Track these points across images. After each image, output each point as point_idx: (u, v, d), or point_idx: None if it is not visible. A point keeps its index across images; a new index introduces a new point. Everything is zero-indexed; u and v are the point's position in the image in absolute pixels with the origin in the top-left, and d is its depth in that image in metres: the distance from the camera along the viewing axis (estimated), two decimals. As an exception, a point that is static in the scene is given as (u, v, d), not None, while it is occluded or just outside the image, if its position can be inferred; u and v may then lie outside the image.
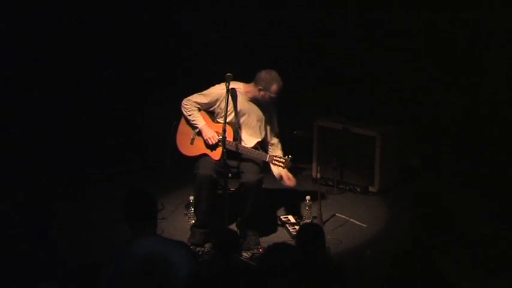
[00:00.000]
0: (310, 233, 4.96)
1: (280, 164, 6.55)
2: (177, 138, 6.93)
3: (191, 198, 7.04)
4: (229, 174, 6.68)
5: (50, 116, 8.57)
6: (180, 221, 7.26)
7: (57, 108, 8.62)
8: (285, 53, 9.00)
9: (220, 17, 8.96)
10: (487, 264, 5.90)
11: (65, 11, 8.54)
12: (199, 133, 6.76)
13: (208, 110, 6.84)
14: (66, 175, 8.17)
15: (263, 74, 6.69)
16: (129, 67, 8.91)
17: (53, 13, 8.48)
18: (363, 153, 8.00)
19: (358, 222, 7.29)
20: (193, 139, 6.87)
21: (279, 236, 6.99)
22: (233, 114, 6.75)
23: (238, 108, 6.74)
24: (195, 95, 6.81)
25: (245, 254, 6.53)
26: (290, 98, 7.23)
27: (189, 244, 6.53)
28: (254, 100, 6.79)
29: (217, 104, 6.77)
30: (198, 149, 6.82)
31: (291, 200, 7.72)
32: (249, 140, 6.82)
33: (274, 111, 6.93)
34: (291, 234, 6.93)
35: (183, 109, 6.80)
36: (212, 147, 6.74)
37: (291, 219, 7.23)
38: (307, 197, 7.15)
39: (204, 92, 6.82)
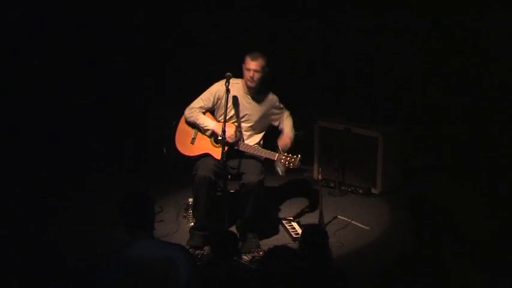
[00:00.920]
0: (315, 234, 4.99)
1: (290, 164, 6.50)
2: (177, 138, 6.94)
3: (190, 200, 7.07)
4: (229, 176, 6.68)
5: (48, 116, 8.59)
6: (179, 224, 7.28)
7: (55, 107, 8.63)
8: (286, 52, 9.04)
9: (221, 18, 9.00)
10: (491, 265, 5.93)
11: (65, 10, 8.60)
12: (211, 134, 6.75)
13: (212, 110, 6.88)
14: (65, 175, 8.18)
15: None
16: (128, 67, 8.95)
17: (53, 13, 8.53)
18: (365, 154, 8.01)
19: (360, 225, 7.31)
20: (194, 138, 6.87)
21: (280, 238, 7.01)
22: (233, 112, 6.77)
23: (239, 104, 6.76)
24: (196, 100, 6.84)
25: (245, 257, 6.53)
26: (290, 98, 7.25)
27: (188, 247, 6.57)
28: (254, 94, 6.79)
29: (218, 102, 6.79)
30: (200, 148, 6.82)
31: (292, 201, 7.75)
32: (250, 138, 6.84)
33: (277, 105, 6.91)
34: (293, 236, 6.96)
35: (188, 119, 6.83)
36: (216, 146, 6.77)
37: (293, 221, 7.26)
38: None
39: (203, 94, 6.85)
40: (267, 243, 6.79)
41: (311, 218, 7.34)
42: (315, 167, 8.26)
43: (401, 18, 8.45)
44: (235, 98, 6.77)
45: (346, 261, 6.54)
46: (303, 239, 5.06)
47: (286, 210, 7.61)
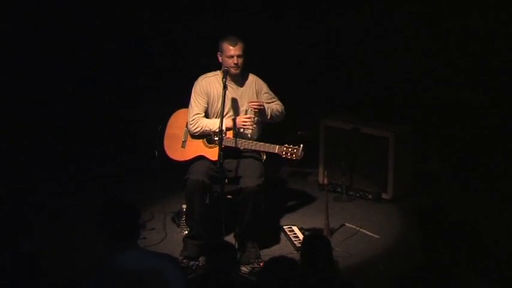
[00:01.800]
0: (315, 246, 4.96)
1: (292, 155, 6.53)
2: (166, 144, 6.94)
3: (184, 206, 7.04)
4: (226, 180, 6.68)
5: (26, 119, 8.70)
6: (171, 232, 7.26)
7: (39, 111, 8.77)
8: (289, 45, 9.07)
9: (220, 17, 9.15)
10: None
11: (57, 11, 8.77)
12: (228, 129, 6.68)
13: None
14: (49, 180, 8.24)
15: (220, 42, 6.74)
16: (113, 67, 9.03)
17: (44, 13, 8.71)
18: (375, 156, 7.97)
19: (369, 233, 7.28)
20: (184, 142, 6.87)
21: (282, 248, 6.98)
22: (226, 108, 6.74)
23: (228, 97, 6.73)
24: (190, 109, 6.80)
25: (244, 269, 6.51)
26: (293, 95, 7.29)
27: (181, 257, 6.62)
28: (237, 81, 6.81)
29: (208, 98, 6.81)
30: (192, 151, 6.82)
31: (295, 207, 7.70)
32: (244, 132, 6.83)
33: (265, 90, 6.90)
34: (295, 246, 6.92)
35: (195, 132, 6.79)
36: (209, 147, 6.76)
37: (295, 229, 7.20)
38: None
39: (194, 99, 6.81)
40: (268, 253, 6.76)
41: (316, 226, 7.31)
42: (320, 170, 8.18)
43: (412, 16, 8.62)
44: (219, 93, 6.73)
45: (355, 272, 6.51)
46: (303, 249, 5.06)
47: (289, 217, 7.58)
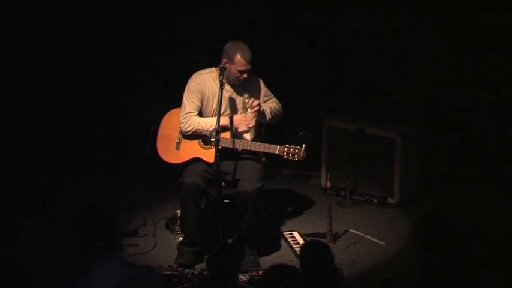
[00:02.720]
0: (314, 253, 4.95)
1: (294, 156, 6.57)
2: (159, 146, 6.93)
3: (178, 211, 7.04)
4: (223, 183, 6.68)
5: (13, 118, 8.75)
6: (165, 239, 7.25)
7: (26, 111, 8.82)
8: (291, 42, 9.09)
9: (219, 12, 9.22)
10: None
11: (49, 10, 8.82)
12: (224, 129, 6.66)
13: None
14: (37, 182, 8.28)
15: (227, 45, 6.73)
16: (107, 67, 9.08)
17: (38, 11, 8.77)
18: (380, 158, 7.96)
19: (375, 240, 7.27)
20: (178, 143, 6.87)
21: (282, 255, 6.98)
22: (215, 106, 6.75)
23: (215, 93, 6.73)
24: (183, 108, 6.80)
25: (242, 277, 6.45)
26: (295, 94, 7.27)
27: (176, 265, 6.63)
28: (231, 82, 6.79)
29: (202, 96, 6.81)
30: (187, 153, 6.82)
31: (296, 212, 7.69)
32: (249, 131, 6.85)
33: (258, 86, 6.89)
34: (296, 253, 6.89)
35: (187, 132, 6.77)
36: (205, 148, 6.76)
37: (296, 235, 7.19)
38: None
39: (187, 96, 6.81)
40: (267, 260, 6.76)
41: (318, 232, 7.31)
42: (323, 172, 8.19)
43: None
44: (214, 92, 6.75)
45: (359, 281, 6.52)
46: (301, 257, 5.04)
47: (289, 222, 7.58)
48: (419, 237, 4.79)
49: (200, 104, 6.78)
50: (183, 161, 6.79)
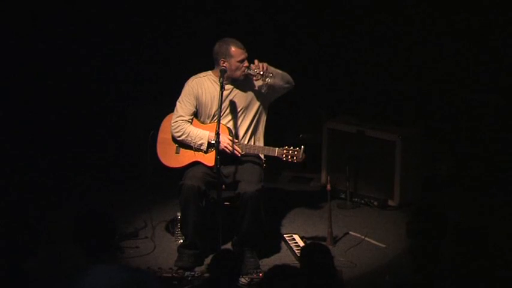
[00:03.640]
0: (315, 255, 4.95)
1: (293, 158, 6.59)
2: (159, 150, 6.93)
3: (178, 214, 7.03)
4: (223, 186, 6.67)
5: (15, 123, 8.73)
6: (165, 241, 7.24)
7: (24, 114, 8.78)
8: (291, 44, 9.10)
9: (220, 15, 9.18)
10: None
11: (48, 10, 8.80)
12: (210, 146, 6.67)
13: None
14: (36, 186, 8.23)
15: (216, 46, 6.72)
16: (105, 69, 9.07)
17: (36, 11, 8.75)
18: (381, 161, 7.98)
19: (375, 242, 7.27)
20: (178, 147, 6.87)
21: (282, 258, 6.96)
22: (214, 109, 6.76)
23: (218, 98, 6.68)
24: (176, 110, 6.80)
25: (243, 280, 6.45)
26: (295, 96, 7.26)
27: (176, 268, 6.60)
28: (230, 81, 6.78)
29: (197, 101, 6.81)
30: (187, 157, 6.81)
31: (296, 215, 7.68)
32: (250, 134, 6.86)
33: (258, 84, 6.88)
34: (297, 255, 6.88)
35: (177, 137, 6.79)
36: (205, 152, 6.76)
37: (296, 238, 7.18)
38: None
39: (182, 99, 6.82)
40: (268, 263, 6.73)
41: (318, 234, 7.32)
42: (323, 175, 8.22)
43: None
44: (213, 96, 6.76)
45: (359, 284, 6.52)
46: (301, 260, 5.04)
47: (290, 225, 7.57)
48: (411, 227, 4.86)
49: (194, 109, 6.78)
50: (182, 165, 6.79)
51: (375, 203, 7.95)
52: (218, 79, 6.67)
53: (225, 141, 6.61)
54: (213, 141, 6.50)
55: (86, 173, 8.57)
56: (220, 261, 5.04)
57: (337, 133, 8.17)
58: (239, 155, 6.68)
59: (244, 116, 6.84)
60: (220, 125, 6.57)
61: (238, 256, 5.35)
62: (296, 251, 6.93)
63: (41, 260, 6.53)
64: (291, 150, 6.58)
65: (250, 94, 6.83)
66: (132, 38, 9.05)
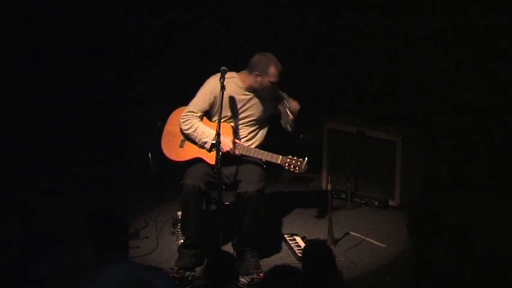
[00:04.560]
0: (317, 255, 4.95)
1: (295, 168, 6.63)
2: (163, 141, 6.92)
3: (179, 213, 7.02)
4: (223, 186, 6.65)
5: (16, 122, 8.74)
6: (166, 241, 7.23)
7: (24, 113, 8.79)
8: (290, 46, 9.07)
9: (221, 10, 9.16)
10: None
11: (51, 9, 8.82)
12: (213, 146, 6.65)
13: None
14: (37, 183, 8.27)
15: (257, 57, 6.78)
16: (105, 63, 9.07)
17: (38, 11, 8.78)
18: (381, 161, 7.99)
19: (375, 242, 7.28)
20: (183, 141, 6.85)
21: (283, 258, 6.96)
22: (230, 110, 6.78)
23: (238, 103, 6.76)
24: (190, 105, 6.79)
25: (243, 280, 6.49)
26: (295, 96, 7.24)
27: (176, 268, 6.61)
28: (252, 90, 6.82)
29: (215, 100, 6.76)
30: (190, 152, 6.81)
31: (296, 215, 7.69)
32: (252, 137, 6.87)
33: (280, 97, 6.91)
34: (297, 255, 6.89)
35: (184, 130, 6.79)
36: (209, 150, 6.75)
37: (297, 238, 7.19)
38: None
39: (198, 95, 6.81)
40: (268, 263, 6.74)
41: (319, 234, 7.32)
42: (324, 175, 8.24)
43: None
44: (231, 98, 6.77)
45: (360, 284, 6.53)
46: (303, 259, 5.05)
47: (290, 225, 7.57)
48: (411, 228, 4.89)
49: (208, 107, 6.77)
50: (184, 159, 6.79)
51: (376, 203, 7.97)
52: (240, 82, 6.75)
53: (228, 144, 6.64)
54: (214, 141, 6.45)
55: (86, 173, 8.56)
56: (216, 264, 5.06)
57: (338, 133, 8.18)
58: (239, 155, 6.71)
59: (254, 124, 6.87)
60: (226, 126, 6.64)
61: (233, 260, 5.37)
62: (297, 251, 6.93)
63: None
64: (295, 160, 6.62)
65: (266, 106, 6.87)
66: (134, 37, 9.10)
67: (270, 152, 6.68)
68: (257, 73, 6.71)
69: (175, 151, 6.85)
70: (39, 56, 8.79)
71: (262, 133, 6.92)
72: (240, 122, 6.82)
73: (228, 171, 6.72)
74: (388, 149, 7.92)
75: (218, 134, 6.38)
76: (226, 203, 6.91)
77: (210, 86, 6.77)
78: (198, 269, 6.61)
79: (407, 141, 7.92)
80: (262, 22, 9.08)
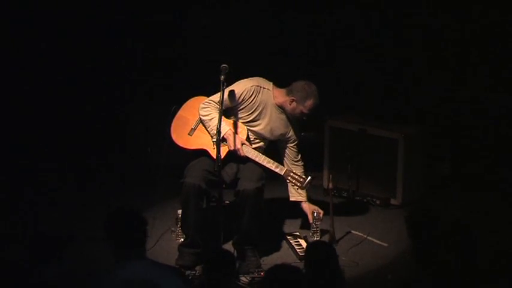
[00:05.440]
0: (319, 254, 4.95)
1: (297, 183, 6.71)
2: (173, 124, 6.95)
3: (179, 212, 7.02)
4: (223, 185, 6.64)
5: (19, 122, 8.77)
6: (166, 239, 7.25)
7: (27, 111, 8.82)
8: (291, 46, 9.11)
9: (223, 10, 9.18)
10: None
11: (58, 10, 8.86)
12: (223, 140, 6.68)
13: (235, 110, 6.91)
14: (42, 181, 8.31)
15: (301, 85, 6.86)
16: (105, 62, 9.06)
17: (42, 10, 8.81)
18: (383, 159, 8.01)
19: (377, 241, 7.29)
20: (193, 129, 6.90)
21: (284, 257, 6.97)
22: (254, 114, 6.86)
23: (262, 109, 6.86)
24: (215, 95, 6.80)
25: (243, 279, 6.50)
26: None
27: (176, 266, 6.63)
28: (280, 108, 6.93)
29: (242, 103, 6.83)
30: (197, 142, 6.85)
31: (297, 213, 7.59)
32: (256, 144, 6.93)
33: (298, 129, 7.07)
34: (298, 254, 6.91)
35: (201, 112, 6.82)
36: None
37: (298, 236, 7.21)
38: (315, 210, 7.16)
39: (229, 91, 6.81)
40: (269, 262, 6.74)
41: (318, 231, 7.23)
42: (325, 173, 8.26)
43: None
44: (265, 106, 6.87)
45: (361, 283, 6.53)
46: (306, 257, 5.04)
47: (291, 224, 7.57)
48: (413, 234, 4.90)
49: (230, 105, 6.77)
50: (190, 147, 6.82)
51: (377, 202, 7.98)
52: (273, 98, 6.84)
53: (237, 144, 6.68)
54: (214, 139, 6.43)
55: (86, 171, 8.58)
56: (214, 263, 5.07)
57: (339, 131, 8.20)
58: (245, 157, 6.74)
59: (269, 135, 6.95)
60: (243, 128, 6.76)
61: (232, 256, 5.33)
62: (298, 250, 6.95)
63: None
64: (298, 175, 6.72)
65: (287, 126, 6.97)
66: (135, 36, 9.11)
67: (275, 161, 6.76)
68: (294, 98, 6.82)
69: (184, 137, 6.88)
70: (39, 54, 8.83)
71: (266, 145, 7.01)
72: (255, 129, 6.88)
73: (229, 169, 6.73)
74: (389, 147, 7.94)
75: (218, 132, 6.35)
76: (225, 202, 6.92)
77: (245, 90, 6.82)
78: (198, 268, 6.60)
79: (409, 140, 7.93)
80: (263, 21, 9.10)
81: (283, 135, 6.99)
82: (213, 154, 6.62)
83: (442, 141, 8.59)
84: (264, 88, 6.84)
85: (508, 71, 8.33)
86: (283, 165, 6.88)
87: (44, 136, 8.79)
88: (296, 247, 7.02)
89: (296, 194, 7.10)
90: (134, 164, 8.42)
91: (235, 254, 6.58)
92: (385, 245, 7.20)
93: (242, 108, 6.81)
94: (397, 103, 8.78)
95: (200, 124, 6.87)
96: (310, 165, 7.65)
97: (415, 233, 5.04)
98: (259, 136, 6.91)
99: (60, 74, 8.92)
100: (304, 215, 7.30)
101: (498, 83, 8.42)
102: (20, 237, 6.95)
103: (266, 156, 6.77)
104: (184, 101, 7.00)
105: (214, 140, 6.38)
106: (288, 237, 7.20)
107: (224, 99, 6.64)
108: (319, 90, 6.90)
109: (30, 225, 7.30)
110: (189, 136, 6.87)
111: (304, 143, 7.17)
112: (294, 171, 6.83)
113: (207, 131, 6.80)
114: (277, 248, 7.09)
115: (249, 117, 6.84)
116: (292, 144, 7.06)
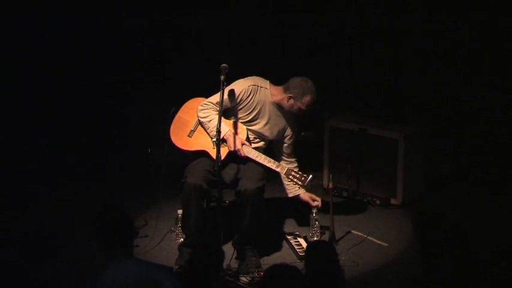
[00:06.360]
0: (319, 254, 4.95)
1: (298, 182, 6.70)
2: (173, 126, 6.95)
3: (179, 212, 7.02)
4: (224, 185, 6.64)
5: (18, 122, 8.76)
6: (166, 239, 7.24)
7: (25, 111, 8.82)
8: (291, 45, 9.10)
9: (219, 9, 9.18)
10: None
11: (57, 9, 8.87)
12: (223, 141, 6.68)
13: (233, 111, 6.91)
14: (37, 180, 8.29)
15: (298, 81, 6.87)
16: (106, 60, 9.06)
17: (41, 10, 8.82)
18: (383, 159, 7.99)
19: (377, 241, 7.28)
20: (193, 131, 6.90)
21: (284, 257, 6.96)
22: (253, 113, 6.86)
23: (260, 108, 6.85)
24: (213, 96, 6.81)
25: (243, 279, 6.50)
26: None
27: (176, 266, 6.59)
28: (278, 106, 6.92)
29: (240, 103, 6.84)
30: (197, 144, 6.85)
31: (298, 213, 7.66)
32: (257, 143, 6.93)
33: (295, 126, 7.05)
34: (298, 254, 6.91)
35: (200, 114, 6.83)
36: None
37: (298, 237, 7.20)
38: (314, 210, 7.15)
39: (228, 92, 6.81)
40: (269, 262, 6.74)
41: (317, 232, 7.25)
42: (325, 173, 8.24)
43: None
44: (263, 105, 6.87)
45: (362, 283, 6.52)
46: (306, 257, 5.05)
47: (291, 223, 7.57)
48: (420, 235, 4.91)
49: (229, 105, 6.78)
50: (190, 149, 6.83)
51: (377, 202, 7.96)
52: (271, 96, 6.84)
53: (237, 144, 6.69)
54: (214, 139, 6.42)
55: (86, 171, 8.58)
56: (201, 260, 5.19)
57: (339, 131, 8.18)
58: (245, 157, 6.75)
59: (269, 133, 6.95)
60: (242, 128, 6.76)
61: (220, 254, 5.37)
62: (298, 250, 6.94)
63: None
64: (299, 174, 6.69)
65: (285, 126, 6.98)
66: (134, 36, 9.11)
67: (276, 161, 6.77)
68: (291, 95, 6.82)
69: (183, 139, 6.88)
70: (39, 53, 8.83)
71: (266, 145, 7.00)
72: (254, 128, 6.89)
73: (230, 169, 6.74)
74: (390, 147, 7.93)
75: (218, 132, 6.35)
76: (226, 202, 6.94)
77: (243, 90, 6.83)
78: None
79: (410, 139, 7.92)
80: (263, 20, 9.09)
81: (281, 132, 6.99)
82: (213, 155, 6.61)
83: (442, 141, 8.57)
84: (261, 87, 6.85)
85: (509, 70, 8.32)
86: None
87: (43, 136, 8.78)
88: (296, 247, 7.01)
89: (293, 189, 7.08)
90: (134, 164, 8.38)
91: (236, 254, 6.61)
92: (385, 245, 7.19)
93: (240, 108, 6.81)
94: (397, 103, 8.78)
95: (199, 125, 6.88)
96: (310, 165, 7.67)
97: (423, 235, 5.03)
98: (258, 135, 6.91)
99: (60, 74, 8.91)
100: (302, 209, 7.32)
101: (499, 83, 8.41)
102: (19, 238, 6.97)
103: (266, 156, 6.76)
104: (185, 101, 7.01)
105: (215, 140, 6.37)
106: (288, 237, 7.18)
107: (224, 100, 6.66)
108: (319, 91, 6.91)
109: (30, 225, 7.28)
110: (189, 138, 6.87)
111: (304, 143, 7.17)
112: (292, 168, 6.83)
113: (207, 132, 6.81)
114: (277, 248, 7.09)
115: (247, 117, 6.85)
116: (289, 142, 7.04)
